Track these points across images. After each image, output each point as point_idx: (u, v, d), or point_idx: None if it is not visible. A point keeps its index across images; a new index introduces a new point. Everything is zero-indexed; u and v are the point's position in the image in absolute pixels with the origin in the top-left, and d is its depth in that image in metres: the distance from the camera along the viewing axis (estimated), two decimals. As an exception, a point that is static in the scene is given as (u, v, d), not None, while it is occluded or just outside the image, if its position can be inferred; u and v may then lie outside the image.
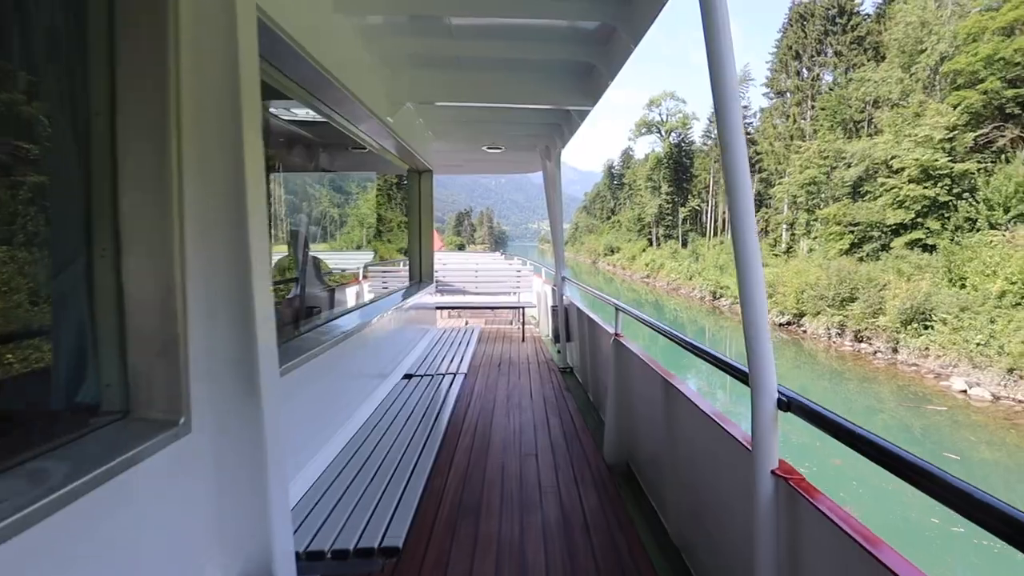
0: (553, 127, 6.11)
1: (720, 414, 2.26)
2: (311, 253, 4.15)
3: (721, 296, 38.00)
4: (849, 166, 34.74)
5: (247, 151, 1.57)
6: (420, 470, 2.75)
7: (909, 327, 21.19)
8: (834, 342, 25.17)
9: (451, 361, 5.25)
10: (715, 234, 61.66)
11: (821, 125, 42.71)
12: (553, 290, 7.85)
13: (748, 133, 63.08)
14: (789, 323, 28.83)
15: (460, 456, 4.10)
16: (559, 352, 7.30)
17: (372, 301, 5.12)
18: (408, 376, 4.70)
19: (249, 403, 1.58)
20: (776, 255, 44.29)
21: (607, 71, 4.17)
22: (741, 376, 1.93)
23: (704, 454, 2.45)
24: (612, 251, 77.75)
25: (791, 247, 44.58)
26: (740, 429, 2.11)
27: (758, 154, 61.08)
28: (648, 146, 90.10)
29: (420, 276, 6.85)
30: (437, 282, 8.72)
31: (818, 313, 26.29)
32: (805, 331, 27.37)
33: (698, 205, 66.92)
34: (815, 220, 41.82)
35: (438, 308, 9.06)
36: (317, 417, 2.87)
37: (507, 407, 5.31)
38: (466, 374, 4.90)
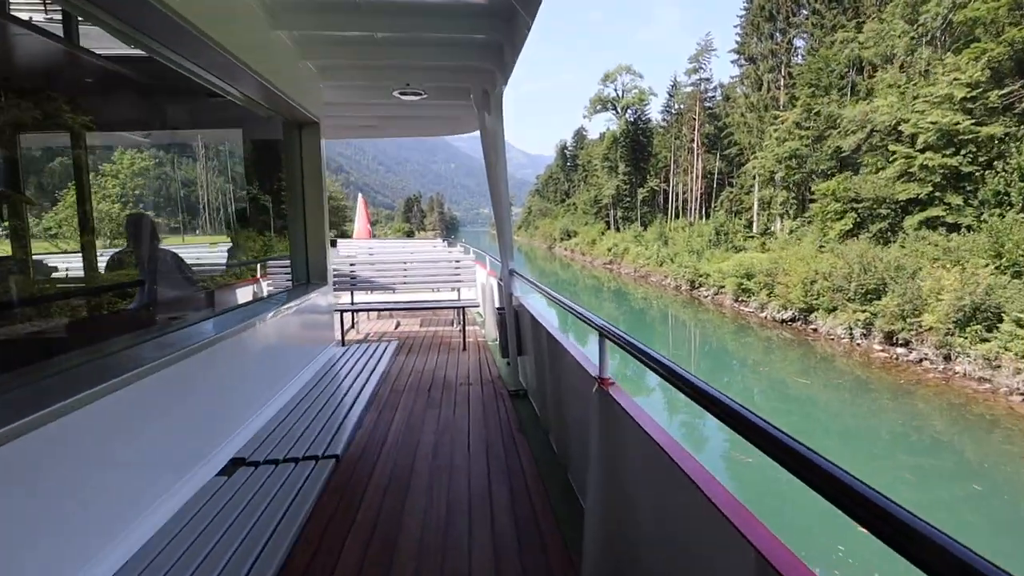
0: (488, 55, 4.37)
1: None
2: (163, 247, 3.24)
3: (700, 285, 32.84)
4: (846, 134, 29.95)
5: None
6: None
7: (968, 329, 16.20)
8: (858, 344, 20.16)
9: (336, 416, 3.24)
10: (676, 216, 57.31)
11: (801, 92, 37.97)
12: (499, 285, 6.14)
13: (709, 108, 59.06)
14: (793, 319, 23.77)
15: None
16: (508, 365, 5.52)
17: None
18: (240, 464, 2.70)
19: None
20: (750, 237, 39.64)
21: None
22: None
23: None
24: (569, 235, 73.21)
25: (768, 228, 39.98)
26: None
27: (721, 129, 56.92)
28: (603, 124, 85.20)
29: (308, 274, 4.77)
30: (352, 278, 7.10)
31: (834, 309, 21.24)
32: (816, 330, 22.34)
33: (657, 185, 62.89)
34: (801, 198, 37.51)
35: (356, 311, 7.60)
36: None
37: (430, 471, 3.49)
38: (358, 424, 3.26)
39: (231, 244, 4.70)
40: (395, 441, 4.01)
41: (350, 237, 17.00)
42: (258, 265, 5.25)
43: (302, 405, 3.46)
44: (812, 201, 37.30)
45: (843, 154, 30.49)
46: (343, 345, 5.68)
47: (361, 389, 3.81)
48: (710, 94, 59.59)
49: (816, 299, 22.09)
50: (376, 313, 9.20)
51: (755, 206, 45.65)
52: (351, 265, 7.22)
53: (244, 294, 4.54)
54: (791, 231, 37.18)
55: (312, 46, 4.27)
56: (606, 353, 2.32)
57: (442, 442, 3.98)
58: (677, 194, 59.45)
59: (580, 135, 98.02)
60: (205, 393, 2.73)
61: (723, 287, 29.94)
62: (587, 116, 74.28)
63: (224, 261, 4.44)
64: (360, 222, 15.44)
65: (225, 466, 2.71)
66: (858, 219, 26.60)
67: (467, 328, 7.68)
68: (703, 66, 59.58)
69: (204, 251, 4.39)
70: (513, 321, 5.27)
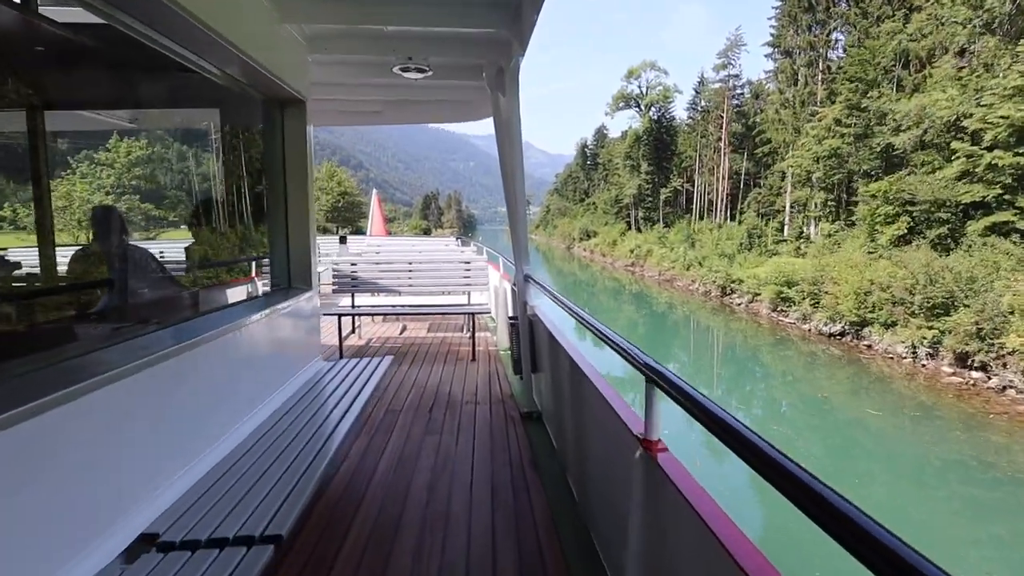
0: (502, 17, 3.65)
1: None
2: (133, 243, 2.87)
3: (732, 292, 30.40)
4: (898, 131, 27.30)
5: None
6: None
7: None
8: (923, 366, 17.68)
9: (299, 462, 2.47)
10: (701, 217, 54.78)
11: (843, 86, 35.28)
12: (513, 291, 5.51)
13: (738, 106, 56.38)
14: (843, 333, 21.30)
15: None
16: (521, 379, 5.07)
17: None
18: (151, 543, 1.90)
19: None
20: (783, 241, 37.03)
21: None
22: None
23: None
24: (588, 235, 71.21)
25: (803, 232, 37.33)
26: None
27: (749, 128, 54.23)
28: (626, 122, 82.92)
29: (289, 277, 3.98)
30: (353, 279, 6.53)
31: (892, 324, 18.77)
32: (870, 346, 19.87)
33: (680, 185, 60.54)
34: (840, 200, 34.87)
35: (354, 315, 6.99)
36: None
37: (421, 522, 2.89)
38: (332, 465, 2.90)
39: (194, 242, 3.67)
40: (383, 480, 3.42)
41: (364, 234, 16.60)
42: (253, 264, 4.42)
43: (261, 445, 2.66)
44: (854, 203, 34.67)
45: (894, 152, 27.83)
46: (340, 357, 5.35)
47: (345, 412, 3.09)
48: (738, 91, 56.93)
49: (871, 312, 19.63)
50: (382, 316, 8.45)
51: (787, 208, 43.04)
52: (352, 265, 6.61)
53: (251, 293, 3.82)
54: (829, 235, 34.57)
55: (294, 3, 3.53)
56: (656, 407, 1.74)
57: (440, 482, 3.40)
58: (701, 195, 56.99)
59: (601, 133, 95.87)
60: (127, 434, 1.96)
61: (758, 295, 27.51)
62: (609, 113, 72.15)
63: (180, 262, 3.50)
64: (375, 219, 14.93)
65: (130, 545, 1.88)
66: (912, 223, 24.00)
67: (477, 335, 6.91)
68: (732, 62, 56.87)
69: (154, 249, 3.36)
70: (527, 333, 4.67)
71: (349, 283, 6.53)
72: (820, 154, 35.60)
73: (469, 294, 7.14)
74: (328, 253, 11.85)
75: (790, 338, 23.18)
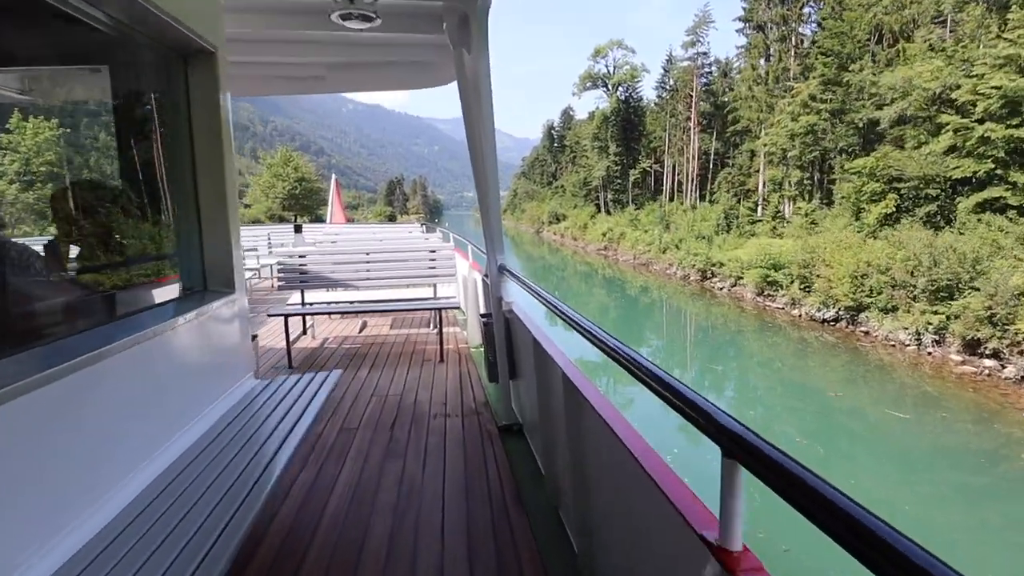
0: None
1: None
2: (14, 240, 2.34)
3: (713, 275, 29.05)
4: (880, 105, 26.09)
5: None
6: None
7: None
8: (930, 354, 16.45)
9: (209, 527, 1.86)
10: (670, 198, 53.61)
11: (818, 61, 34.03)
12: (485, 283, 4.90)
13: (707, 84, 55.12)
14: (836, 319, 20.02)
15: None
16: (496, 386, 4.23)
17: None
18: None
19: None
20: (756, 222, 35.88)
21: None
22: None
23: None
24: (557, 219, 69.93)
25: (779, 212, 36.24)
26: None
27: (718, 107, 53.05)
28: (593, 103, 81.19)
29: (204, 279, 3.13)
30: (301, 274, 5.88)
31: (892, 308, 17.50)
32: (868, 333, 18.61)
33: (649, 167, 59.40)
34: (814, 178, 33.81)
35: (300, 315, 6.22)
36: None
37: None
38: (263, 513, 2.26)
39: (58, 237, 2.59)
40: (332, 525, 2.74)
41: (324, 222, 15.93)
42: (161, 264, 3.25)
43: (173, 490, 2.06)
44: (831, 182, 33.69)
45: (875, 128, 26.65)
46: (289, 365, 5.10)
47: (286, 438, 2.43)
48: (707, 69, 55.65)
49: (869, 296, 18.34)
50: (339, 315, 7.51)
51: (760, 187, 42.01)
52: (301, 257, 5.99)
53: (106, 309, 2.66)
54: (806, 214, 33.53)
55: None
56: (737, 493, 1.06)
57: (404, 524, 2.75)
58: (671, 175, 55.80)
59: (568, 116, 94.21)
60: None
61: (741, 278, 26.16)
62: (576, 94, 70.54)
63: (36, 263, 2.40)
64: (334, 206, 14.12)
65: None
66: (900, 201, 22.84)
67: (445, 332, 6.42)
68: (701, 39, 55.41)
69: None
70: (504, 335, 3.87)
71: (297, 279, 5.84)
72: (796, 131, 34.42)
73: (435, 287, 6.51)
74: (283, 244, 10.90)
75: (777, 324, 21.86)
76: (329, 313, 6.98)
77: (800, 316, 21.49)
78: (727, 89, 54.29)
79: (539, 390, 3.07)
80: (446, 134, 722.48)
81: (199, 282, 3.11)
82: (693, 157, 52.60)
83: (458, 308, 6.69)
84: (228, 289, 3.13)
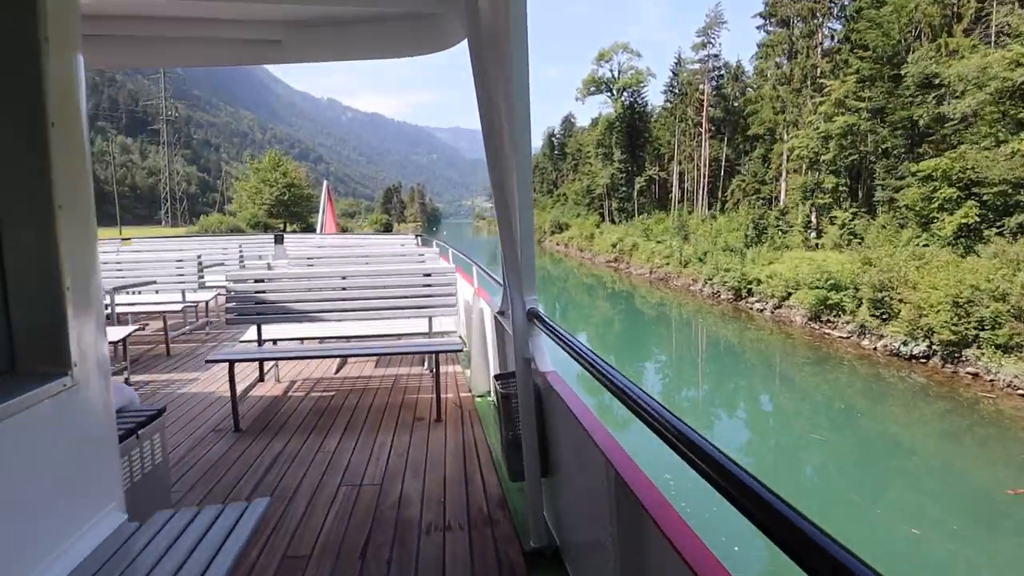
0: None
1: None
2: None
3: (750, 294, 25.04)
4: (941, 100, 22.24)
5: None
6: None
7: None
8: (1077, 409, 12.42)
9: None
10: (678, 207, 49.93)
11: (852, 56, 30.24)
12: (496, 321, 3.97)
13: (717, 88, 51.62)
14: (927, 355, 15.96)
15: None
16: (520, 485, 2.82)
17: None
18: None
19: None
20: (784, 232, 31.97)
21: None
22: None
23: None
24: (560, 228, 66.60)
25: (811, 222, 32.31)
26: None
27: (729, 111, 49.49)
28: (596, 108, 78.03)
29: (13, 354, 1.60)
30: (256, 304, 4.49)
31: (1016, 346, 13.47)
32: (977, 375, 14.55)
33: (656, 174, 56.04)
34: (853, 185, 30.04)
35: (260, 359, 4.77)
36: None
37: None
38: None
39: None
40: None
41: (314, 231, 14.58)
42: None
43: None
44: (873, 188, 29.86)
45: (952, 122, 22.73)
46: (236, 426, 3.81)
47: None
48: (718, 72, 52.11)
49: (979, 329, 14.30)
50: (301, 359, 5.49)
51: (782, 195, 38.23)
52: (255, 282, 4.47)
53: None
54: (843, 224, 29.65)
55: None
56: None
57: None
58: (679, 183, 52.20)
59: (568, 122, 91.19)
60: None
61: (786, 298, 22.17)
62: (580, 99, 67.18)
63: None
64: (326, 214, 12.93)
65: None
66: (982, 210, 18.90)
67: (444, 370, 5.05)
68: (712, 40, 51.81)
69: None
70: (534, 412, 2.44)
71: (252, 309, 4.38)
72: (831, 132, 30.60)
73: (431, 320, 4.87)
74: (261, 256, 9.40)
75: (839, 356, 17.84)
76: (287, 358, 5.00)
77: (876, 349, 17.43)
78: (739, 93, 50.96)
79: (590, 498, 2.00)
80: (445, 143, 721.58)
81: (5, 358, 1.69)
82: (705, 164, 49.01)
83: (460, 351, 4.62)
84: (59, 367, 1.67)
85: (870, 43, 29.27)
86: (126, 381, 4.69)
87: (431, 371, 4.93)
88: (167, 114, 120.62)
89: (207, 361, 3.98)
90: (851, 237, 29.20)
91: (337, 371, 5.43)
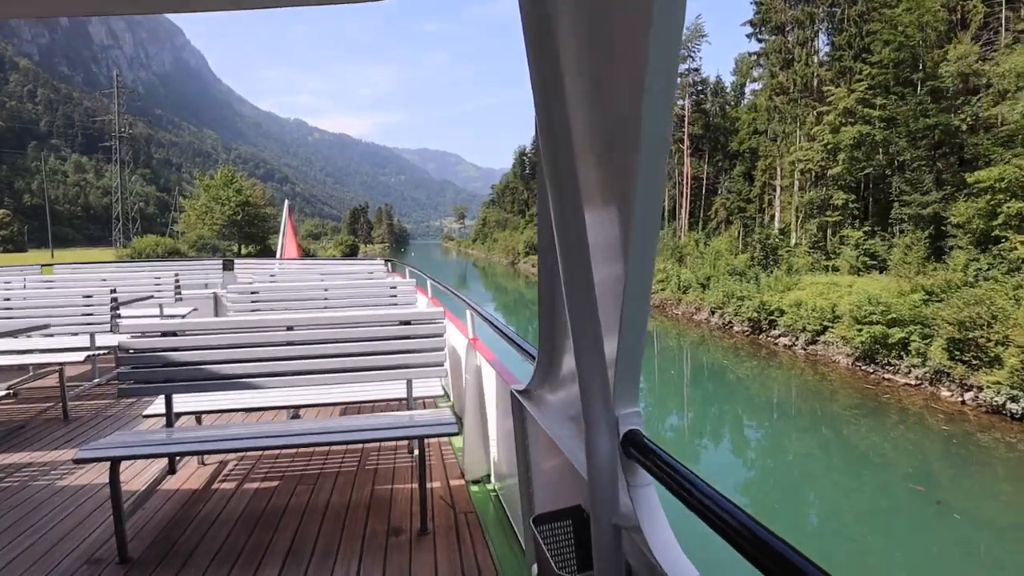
0: None
1: None
2: None
3: (771, 326, 21.37)
4: (998, 98, 19.19)
5: None
6: None
7: None
8: None
9: None
10: (662, 226, 46.84)
11: (859, 64, 27.48)
12: (514, 400, 2.19)
13: (698, 105, 49.18)
14: (1042, 414, 12.30)
15: None
16: None
17: None
18: None
19: None
20: (790, 254, 28.73)
21: None
22: None
23: None
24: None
25: (819, 243, 29.14)
26: None
27: (709, 127, 47.06)
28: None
29: None
30: (164, 367, 3.15)
31: None
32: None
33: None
34: (866, 201, 27.07)
35: (164, 455, 2.91)
36: None
37: None
38: None
39: None
40: None
41: (274, 254, 14.00)
42: None
43: None
44: (890, 203, 26.90)
45: (1003, 129, 19.68)
46: (121, 556, 2.56)
47: None
48: (697, 87, 49.68)
49: None
50: (224, 453, 3.85)
51: (777, 213, 35.30)
52: (162, 336, 3.16)
53: None
54: (856, 244, 26.54)
55: None
56: None
57: None
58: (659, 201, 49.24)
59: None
60: None
61: (821, 333, 18.53)
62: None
63: None
64: (286, 236, 11.56)
65: None
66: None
67: (431, 465, 3.54)
68: (692, 54, 49.30)
69: None
70: None
71: (160, 374, 3.11)
72: (841, 143, 27.64)
73: (410, 383, 3.54)
74: (207, 284, 8.28)
75: (903, 406, 14.11)
76: (196, 452, 3.22)
77: (963, 403, 13.71)
78: (718, 109, 48.74)
79: None
80: (413, 164, 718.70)
81: None
82: (686, 182, 46.19)
83: (456, 435, 3.01)
84: None
85: (881, 46, 26.52)
86: None
87: (411, 452, 3.75)
88: (123, 131, 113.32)
89: (75, 461, 2.53)
90: (867, 259, 26.14)
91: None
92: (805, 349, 19.22)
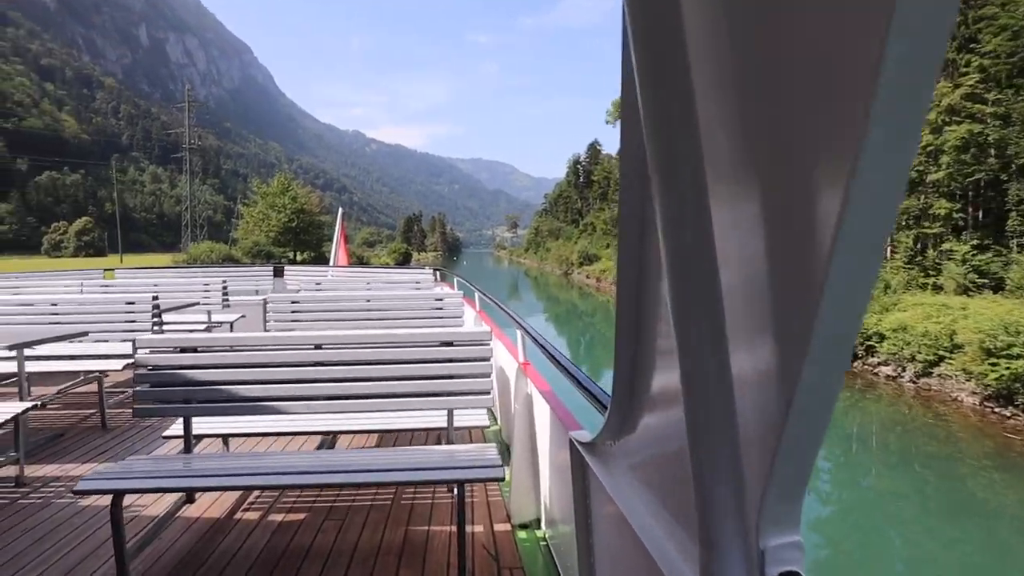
0: None
1: None
2: None
3: (870, 352, 18.64)
4: None
5: None
6: None
7: None
8: None
9: None
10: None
11: (961, 54, 24.25)
12: (573, 447, 1.73)
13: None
14: None
15: None
16: None
17: None
18: None
19: None
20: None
21: None
22: None
23: None
24: (589, 260, 61.34)
25: (919, 254, 25.88)
26: None
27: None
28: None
29: None
30: (186, 385, 2.89)
31: None
32: None
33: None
34: (980, 209, 23.76)
35: (177, 489, 2.82)
36: None
37: None
38: None
39: None
40: None
41: (327, 261, 14.13)
42: None
43: None
44: (1006, 212, 23.51)
45: None
46: None
47: None
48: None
49: None
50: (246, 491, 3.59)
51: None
52: (180, 352, 2.89)
53: None
54: (964, 259, 23.24)
55: None
56: None
57: None
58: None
59: (595, 149, 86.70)
60: None
61: (936, 364, 15.75)
62: (609, 122, 62.32)
63: None
64: (338, 244, 11.72)
65: None
66: None
67: (473, 503, 3.22)
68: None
69: None
70: None
71: (179, 394, 2.86)
72: (944, 145, 24.41)
73: (451, 412, 3.13)
74: (257, 291, 8.12)
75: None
76: (216, 489, 3.14)
77: None
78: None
79: None
80: (466, 174, 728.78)
81: None
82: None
83: (501, 480, 2.54)
84: None
85: (996, 32, 23.27)
86: (17, 478, 3.35)
87: (451, 492, 3.38)
88: (194, 142, 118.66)
89: (75, 492, 2.30)
90: (976, 276, 22.81)
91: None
92: (915, 382, 16.41)
